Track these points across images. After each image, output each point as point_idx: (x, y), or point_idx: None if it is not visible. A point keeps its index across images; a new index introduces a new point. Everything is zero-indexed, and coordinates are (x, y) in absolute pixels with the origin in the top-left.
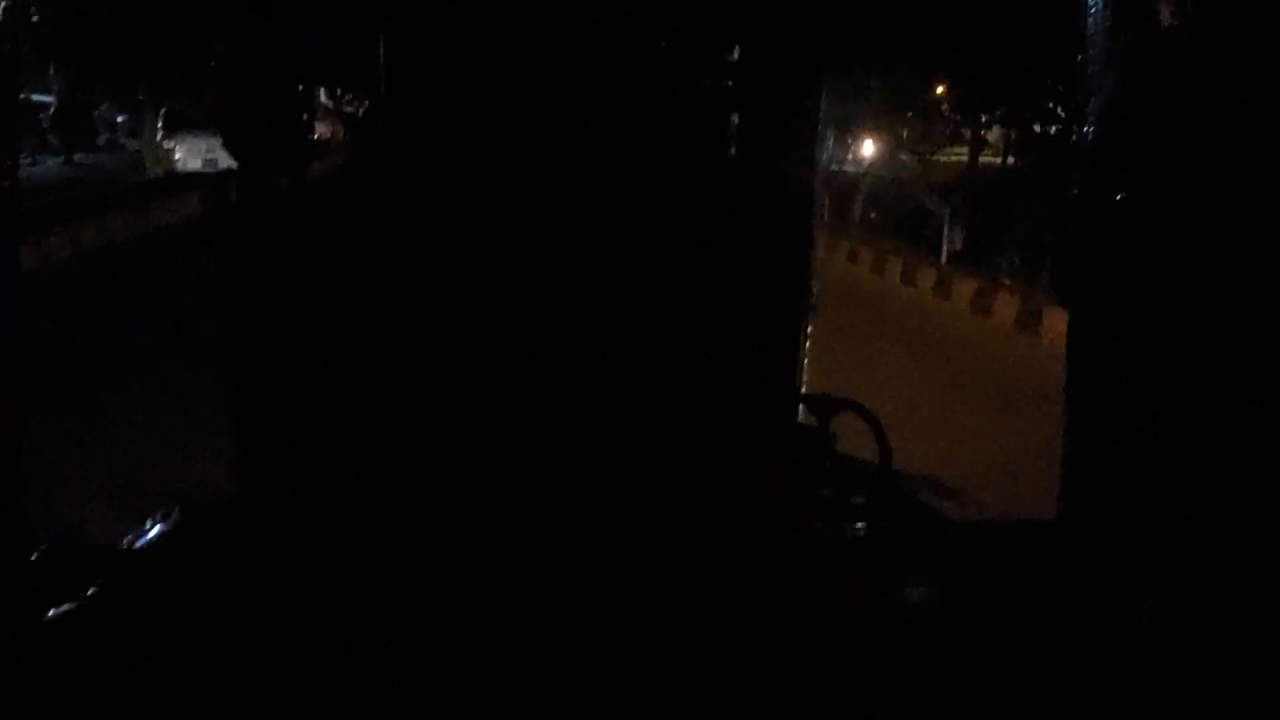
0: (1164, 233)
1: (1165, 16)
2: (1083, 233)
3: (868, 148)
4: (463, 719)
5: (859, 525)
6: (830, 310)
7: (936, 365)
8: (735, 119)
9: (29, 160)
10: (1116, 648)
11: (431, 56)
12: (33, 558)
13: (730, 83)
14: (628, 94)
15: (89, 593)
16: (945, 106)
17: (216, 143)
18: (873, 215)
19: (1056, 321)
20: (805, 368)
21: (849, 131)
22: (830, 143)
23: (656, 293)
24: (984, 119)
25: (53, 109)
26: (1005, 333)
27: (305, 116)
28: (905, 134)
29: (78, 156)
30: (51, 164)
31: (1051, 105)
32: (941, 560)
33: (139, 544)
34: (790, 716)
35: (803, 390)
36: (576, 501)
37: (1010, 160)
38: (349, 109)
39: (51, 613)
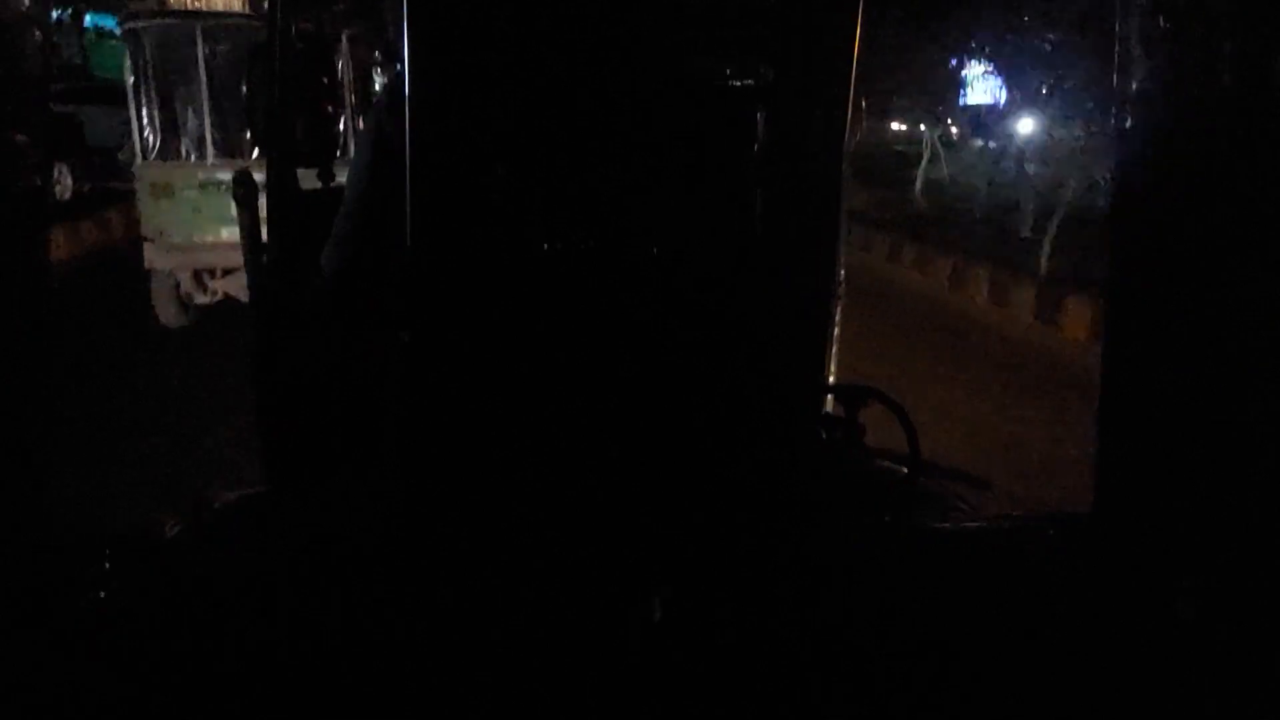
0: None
1: None
2: (1117, 216)
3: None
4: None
5: (886, 518)
6: None
7: None
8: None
9: None
10: (1153, 646)
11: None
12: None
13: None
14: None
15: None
16: None
17: None
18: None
19: None
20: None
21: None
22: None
23: (680, 279)
24: None
25: None
26: None
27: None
28: None
29: None
30: None
31: None
32: (970, 555)
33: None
34: (809, 712)
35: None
36: (597, 494)
37: None
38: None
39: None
